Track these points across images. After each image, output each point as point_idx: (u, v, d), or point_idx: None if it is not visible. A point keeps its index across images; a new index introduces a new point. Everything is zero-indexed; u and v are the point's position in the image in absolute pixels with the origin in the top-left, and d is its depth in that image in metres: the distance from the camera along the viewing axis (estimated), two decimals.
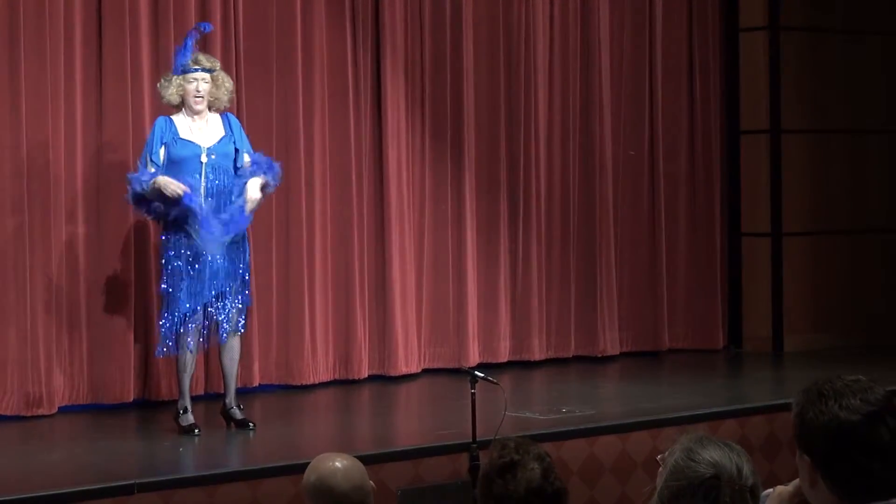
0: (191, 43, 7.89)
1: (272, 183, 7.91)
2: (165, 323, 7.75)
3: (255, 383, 9.11)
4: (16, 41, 8.32)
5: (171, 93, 7.81)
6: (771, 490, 3.19)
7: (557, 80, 10.47)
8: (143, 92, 8.75)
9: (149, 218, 8.05)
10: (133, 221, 8.72)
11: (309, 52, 9.45)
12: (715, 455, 2.88)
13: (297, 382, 9.33)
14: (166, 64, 8.79)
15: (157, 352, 7.93)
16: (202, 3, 9.05)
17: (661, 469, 2.94)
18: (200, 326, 7.78)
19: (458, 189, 10.04)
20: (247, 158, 7.90)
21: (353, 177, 9.59)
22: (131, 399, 8.68)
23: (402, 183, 9.79)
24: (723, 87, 11.21)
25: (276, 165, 7.97)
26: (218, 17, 9.04)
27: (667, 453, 2.93)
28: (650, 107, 10.88)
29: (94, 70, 8.69)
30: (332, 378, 9.50)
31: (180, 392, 7.91)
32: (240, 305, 7.84)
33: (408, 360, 9.75)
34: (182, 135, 7.78)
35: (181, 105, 7.86)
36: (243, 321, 7.94)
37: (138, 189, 7.70)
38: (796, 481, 3.00)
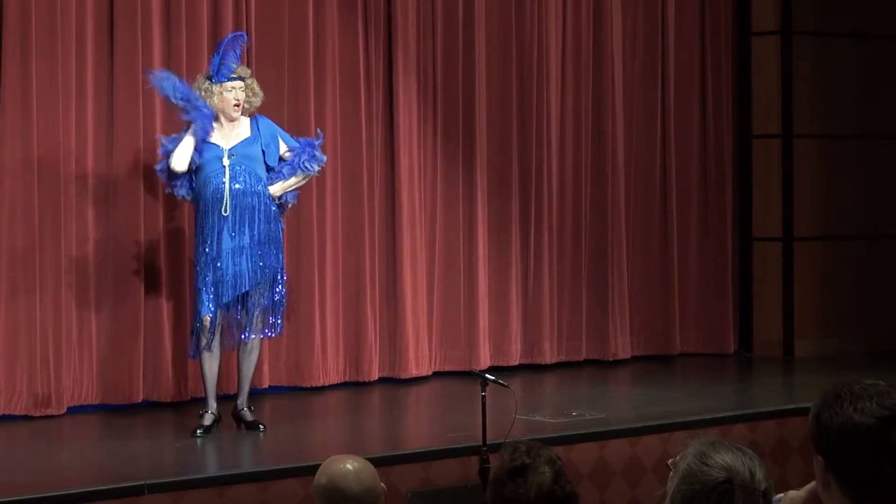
0: (235, 51, 7.97)
1: (309, 169, 8.01)
2: (194, 322, 7.87)
3: (266, 385, 9.11)
4: (27, 41, 8.33)
5: (214, 102, 7.86)
6: (782, 495, 3.18)
7: (570, 84, 10.46)
8: (155, 95, 8.74)
9: (175, 193, 8.06)
10: (144, 222, 8.73)
11: (321, 54, 9.45)
12: (728, 459, 2.87)
13: (307, 384, 9.33)
14: (177, 64, 8.82)
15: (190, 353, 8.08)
16: (214, 4, 9.06)
17: (672, 473, 2.93)
18: (222, 327, 7.81)
19: (469, 192, 10.03)
20: (283, 148, 7.98)
21: (365, 179, 9.59)
22: (140, 400, 8.68)
23: (414, 185, 9.78)
24: (735, 91, 11.19)
25: (315, 146, 8.06)
26: (230, 19, 9.05)
27: (678, 458, 2.92)
28: (662, 111, 10.87)
29: (106, 70, 8.70)
30: (342, 380, 9.50)
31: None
32: (266, 305, 7.88)
33: (418, 362, 9.74)
34: (210, 139, 7.85)
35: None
36: (279, 323, 8.00)
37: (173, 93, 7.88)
38: (808, 486, 2.99)
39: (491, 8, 10.11)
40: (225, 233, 7.75)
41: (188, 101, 7.85)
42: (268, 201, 7.89)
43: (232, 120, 7.91)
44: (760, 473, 2.89)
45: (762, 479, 2.88)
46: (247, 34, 9.10)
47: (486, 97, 10.08)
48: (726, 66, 11.14)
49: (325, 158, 8.21)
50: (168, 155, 7.86)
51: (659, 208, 10.85)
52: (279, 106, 9.20)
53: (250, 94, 7.99)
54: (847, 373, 9.06)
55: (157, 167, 8.03)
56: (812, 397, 2.81)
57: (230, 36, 8.21)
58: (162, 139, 8.01)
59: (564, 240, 10.43)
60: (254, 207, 7.83)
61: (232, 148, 7.83)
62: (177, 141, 7.85)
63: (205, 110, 7.83)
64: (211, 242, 7.77)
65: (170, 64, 8.82)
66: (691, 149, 11.00)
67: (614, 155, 10.57)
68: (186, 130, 7.86)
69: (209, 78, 7.95)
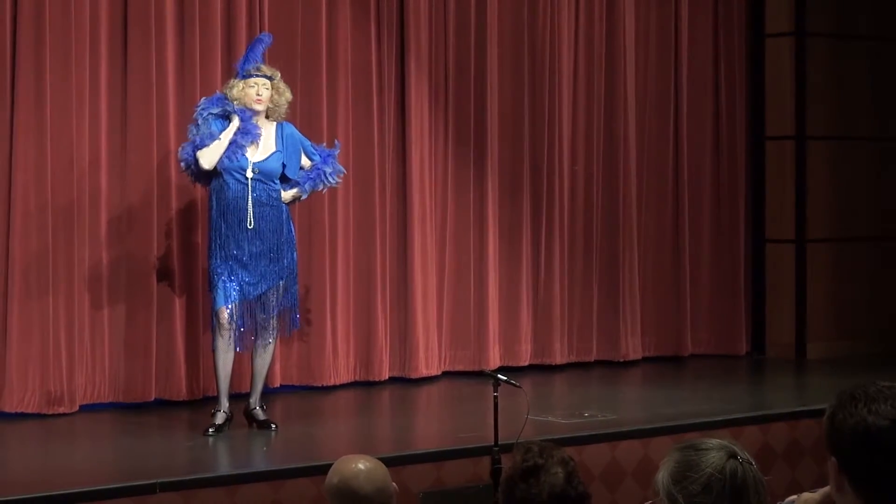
0: (259, 50, 7.97)
1: (329, 181, 8.05)
2: (212, 317, 7.91)
3: (277, 384, 9.12)
4: (41, 41, 8.34)
5: (234, 94, 7.86)
6: (795, 497, 3.18)
7: (582, 85, 10.46)
8: (168, 95, 8.77)
9: (191, 178, 8.06)
10: (157, 221, 8.74)
11: (333, 55, 9.46)
12: (717, 440, 2.90)
13: (317, 384, 9.34)
14: (191, 66, 8.84)
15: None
16: (228, 7, 9.06)
17: (659, 485, 2.91)
18: (236, 326, 7.81)
19: (480, 192, 10.04)
20: (306, 162, 8.02)
21: (376, 179, 9.60)
22: (152, 398, 8.69)
23: (425, 186, 9.79)
24: (748, 93, 11.18)
25: (335, 156, 8.09)
26: (243, 20, 9.06)
27: (658, 477, 2.92)
28: (675, 112, 10.86)
29: (119, 71, 8.71)
30: (352, 380, 9.51)
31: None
32: (281, 306, 7.90)
33: (428, 362, 9.75)
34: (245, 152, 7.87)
35: None
36: (295, 320, 8.04)
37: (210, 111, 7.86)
38: (824, 489, 2.99)
39: (503, 10, 10.11)
40: (241, 241, 7.77)
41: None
42: (281, 206, 7.90)
43: (255, 114, 7.90)
44: (747, 453, 2.92)
45: (750, 458, 2.90)
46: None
47: (497, 98, 10.09)
48: (740, 68, 11.13)
49: (343, 171, 8.23)
50: (196, 146, 7.81)
51: (671, 209, 10.85)
52: (292, 107, 9.17)
53: (276, 94, 7.98)
54: (859, 375, 9.06)
55: (182, 154, 7.90)
56: (824, 399, 2.81)
57: (256, 38, 8.26)
58: (193, 132, 7.86)
59: (575, 241, 10.43)
60: (269, 216, 7.84)
61: (257, 163, 7.83)
62: (212, 137, 7.79)
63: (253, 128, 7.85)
64: (226, 246, 7.78)
65: (183, 66, 8.84)
66: (704, 150, 10.99)
67: (626, 156, 10.57)
68: (223, 124, 7.83)
69: (235, 76, 7.99)
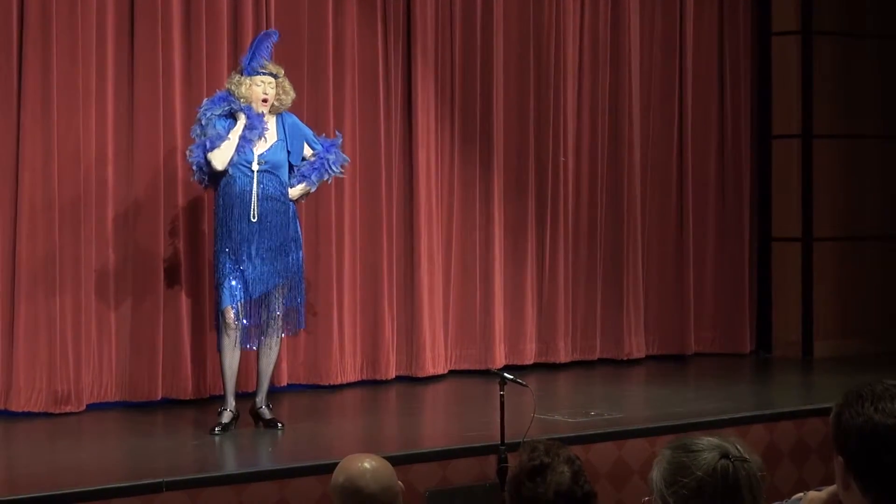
0: (266, 47, 7.95)
1: (334, 170, 8.03)
2: (217, 316, 7.91)
3: (284, 383, 9.13)
4: (48, 39, 8.35)
5: (242, 91, 7.85)
6: (802, 495, 3.17)
7: (587, 84, 10.46)
8: (174, 92, 8.78)
9: (198, 180, 8.03)
10: (163, 220, 8.74)
11: (340, 52, 9.46)
12: (710, 439, 2.89)
13: (324, 382, 9.35)
14: (197, 65, 8.84)
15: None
16: (234, 3, 9.07)
17: (653, 482, 2.91)
18: (242, 324, 7.80)
19: (486, 191, 10.04)
20: (308, 152, 8.00)
21: (383, 178, 9.60)
22: (159, 397, 8.70)
23: (431, 184, 9.80)
24: (754, 91, 11.17)
25: (338, 145, 8.08)
26: (250, 16, 9.07)
27: (651, 476, 2.92)
28: (680, 111, 10.86)
29: (126, 69, 8.72)
30: (359, 378, 9.52)
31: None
32: (287, 304, 7.90)
33: (434, 361, 9.75)
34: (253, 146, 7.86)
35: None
36: (301, 320, 8.04)
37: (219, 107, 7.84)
38: (830, 488, 2.98)
39: (509, 8, 10.11)
40: (248, 235, 7.76)
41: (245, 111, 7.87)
42: (289, 203, 7.90)
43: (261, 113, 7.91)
44: (743, 447, 2.89)
45: (749, 453, 2.88)
46: None
47: (503, 97, 10.09)
48: (745, 66, 11.12)
49: (348, 159, 8.24)
50: (206, 148, 7.79)
51: (675, 208, 10.84)
52: (298, 105, 9.16)
53: (281, 92, 7.98)
54: (866, 373, 9.05)
55: (191, 157, 7.87)
56: (831, 398, 2.80)
57: (262, 33, 8.23)
58: (197, 132, 7.85)
59: (580, 239, 10.43)
60: (276, 211, 7.84)
61: (262, 154, 7.84)
62: (220, 138, 7.78)
63: (258, 122, 7.84)
64: (232, 241, 7.78)
65: (189, 63, 8.86)
66: (709, 148, 10.99)
67: (631, 155, 10.57)
68: (228, 123, 7.83)
69: (240, 72, 7.98)
